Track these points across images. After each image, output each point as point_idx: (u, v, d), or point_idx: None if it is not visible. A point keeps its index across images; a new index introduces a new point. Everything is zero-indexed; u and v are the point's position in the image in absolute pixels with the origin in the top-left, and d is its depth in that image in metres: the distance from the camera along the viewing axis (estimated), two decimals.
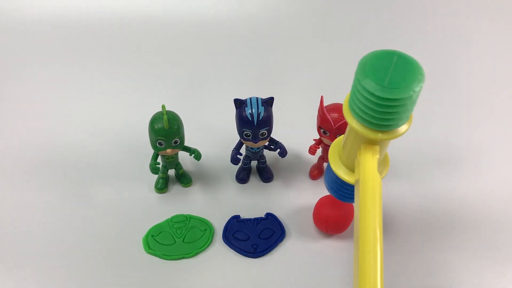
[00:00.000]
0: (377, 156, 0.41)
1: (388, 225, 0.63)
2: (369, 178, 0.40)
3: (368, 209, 0.38)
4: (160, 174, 0.67)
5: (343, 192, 0.51)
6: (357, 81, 0.38)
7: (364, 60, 0.38)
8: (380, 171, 0.45)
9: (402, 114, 0.39)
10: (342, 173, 0.48)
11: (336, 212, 0.58)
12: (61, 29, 0.92)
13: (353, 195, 0.50)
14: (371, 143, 0.42)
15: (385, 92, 0.36)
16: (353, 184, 0.47)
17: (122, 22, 0.93)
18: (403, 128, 0.41)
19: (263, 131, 0.59)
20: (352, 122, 0.41)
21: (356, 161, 0.44)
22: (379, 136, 0.40)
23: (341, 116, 0.58)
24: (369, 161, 0.41)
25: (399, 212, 0.65)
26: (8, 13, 0.92)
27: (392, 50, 0.39)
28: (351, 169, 0.47)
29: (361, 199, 0.39)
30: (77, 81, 0.87)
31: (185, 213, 0.64)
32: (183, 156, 0.69)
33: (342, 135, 0.49)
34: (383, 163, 0.48)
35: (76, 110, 0.82)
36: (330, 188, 0.53)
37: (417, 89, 0.37)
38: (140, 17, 0.94)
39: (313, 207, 0.62)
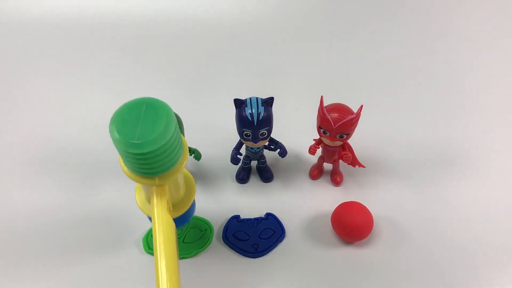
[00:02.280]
0: (166, 196, 0.43)
1: (388, 225, 0.63)
2: (159, 219, 0.42)
3: (159, 244, 0.41)
4: None
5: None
6: (112, 139, 0.37)
7: (115, 117, 0.38)
8: (185, 199, 0.50)
9: (169, 157, 0.39)
10: (148, 211, 0.49)
11: (362, 221, 0.58)
12: (61, 29, 0.92)
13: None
14: (159, 185, 0.42)
15: (137, 148, 0.36)
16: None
17: (122, 22, 0.93)
18: (180, 163, 0.42)
19: (263, 131, 0.59)
20: (129, 175, 0.41)
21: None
22: (157, 181, 0.41)
23: (341, 116, 0.58)
24: (157, 204, 0.42)
25: (399, 212, 0.65)
26: (8, 13, 0.92)
27: (141, 99, 0.38)
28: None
29: (153, 236, 0.42)
30: (77, 80, 0.87)
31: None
32: None
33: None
34: (187, 185, 0.51)
35: (76, 109, 0.82)
36: None
37: (168, 136, 0.37)
38: (140, 17, 0.94)
39: (312, 206, 0.62)
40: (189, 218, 0.54)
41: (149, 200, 0.48)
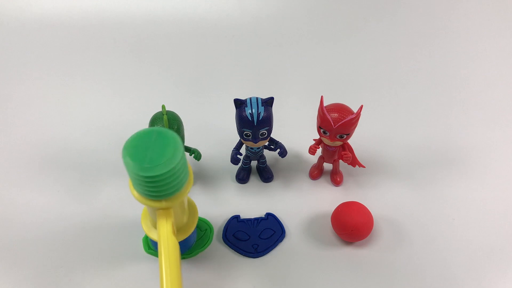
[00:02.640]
0: (171, 219, 0.46)
1: (388, 225, 0.63)
2: (164, 241, 0.44)
3: (164, 265, 0.43)
4: None
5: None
6: (124, 164, 0.41)
7: (127, 143, 0.42)
8: (188, 224, 0.53)
9: (176, 181, 0.43)
10: (154, 236, 0.53)
11: (362, 221, 0.58)
12: (61, 29, 0.92)
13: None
14: (165, 208, 0.46)
15: (147, 171, 0.40)
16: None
17: (122, 22, 0.93)
18: (185, 188, 0.46)
19: (263, 131, 0.59)
20: (137, 197, 0.45)
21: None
22: (163, 204, 0.44)
23: (341, 116, 0.58)
24: (163, 225, 0.45)
25: (399, 212, 0.65)
26: (8, 13, 0.92)
27: (151, 128, 0.43)
28: None
29: (159, 257, 0.44)
30: (77, 80, 0.87)
31: None
32: None
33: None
34: (190, 211, 0.55)
35: (76, 109, 0.82)
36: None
37: (176, 161, 0.41)
38: (140, 17, 0.94)
39: (312, 206, 0.62)
40: (190, 245, 0.58)
41: (155, 225, 0.51)
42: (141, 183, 0.42)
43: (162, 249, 0.44)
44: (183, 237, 0.53)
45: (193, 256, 0.59)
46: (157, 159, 0.40)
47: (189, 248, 0.59)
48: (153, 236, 0.53)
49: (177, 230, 0.52)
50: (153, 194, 0.43)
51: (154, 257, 0.59)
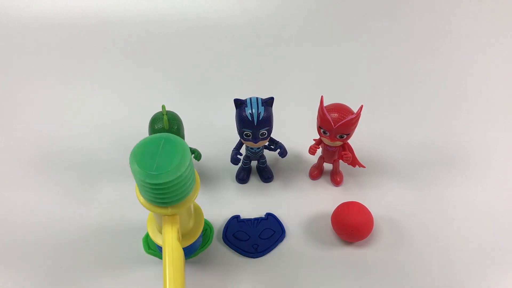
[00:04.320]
0: (177, 225, 0.46)
1: (388, 225, 0.63)
2: (169, 247, 0.44)
3: (168, 272, 0.43)
4: None
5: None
6: (132, 171, 0.41)
7: (135, 150, 0.41)
8: (194, 229, 0.53)
9: (182, 189, 0.43)
10: (159, 241, 0.52)
11: (362, 221, 0.58)
12: (61, 29, 0.92)
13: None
14: (171, 215, 0.46)
15: (154, 178, 0.40)
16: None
17: (122, 22, 0.93)
18: (192, 195, 0.46)
19: (263, 131, 0.59)
20: (144, 203, 0.45)
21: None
22: (169, 211, 0.44)
23: (341, 116, 0.58)
24: (168, 232, 0.45)
25: (399, 212, 0.65)
26: (8, 13, 0.92)
27: (159, 135, 0.42)
28: None
29: (163, 263, 0.44)
30: (77, 80, 0.87)
31: None
32: None
33: None
34: (196, 216, 0.54)
35: (77, 109, 0.82)
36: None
37: (183, 169, 0.41)
38: (140, 17, 0.94)
39: (312, 206, 0.62)
40: (195, 249, 0.58)
41: (160, 230, 0.51)
42: (148, 190, 0.42)
43: (167, 256, 0.44)
44: (188, 242, 0.53)
45: (193, 257, 0.59)
46: (165, 166, 0.40)
47: (194, 252, 0.58)
48: (158, 241, 0.52)
49: (183, 235, 0.52)
50: (160, 200, 0.43)
51: (154, 258, 0.59)
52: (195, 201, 0.49)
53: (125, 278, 0.56)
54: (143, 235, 0.61)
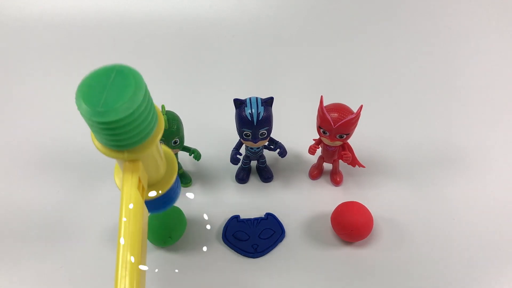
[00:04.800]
0: (138, 173, 0.40)
1: (388, 225, 0.63)
2: (127, 196, 0.39)
3: (124, 228, 0.38)
4: None
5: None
6: (77, 107, 0.35)
7: (82, 83, 0.35)
8: (166, 178, 0.46)
9: (138, 129, 0.36)
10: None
11: (362, 221, 0.58)
12: (61, 29, 0.92)
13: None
14: (131, 161, 0.40)
15: (101, 116, 0.34)
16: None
17: (122, 22, 0.93)
18: (154, 137, 0.39)
19: (263, 131, 0.59)
20: (99, 147, 0.39)
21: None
22: (126, 155, 0.38)
23: (341, 116, 0.58)
24: (128, 180, 0.39)
25: (399, 212, 0.65)
26: (8, 13, 0.92)
27: (111, 65, 0.36)
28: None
29: (119, 215, 0.39)
30: (77, 80, 0.87)
31: (185, 213, 0.64)
32: (183, 156, 0.69)
33: None
34: (168, 165, 0.47)
35: (76, 109, 0.82)
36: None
37: (135, 105, 0.34)
38: (140, 17, 0.94)
39: (312, 206, 0.62)
40: (172, 201, 0.50)
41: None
42: (98, 130, 0.36)
43: (124, 206, 0.39)
44: (159, 191, 0.46)
45: (173, 243, 0.59)
46: (113, 102, 0.33)
47: (170, 204, 0.51)
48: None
49: (153, 185, 0.46)
50: (113, 143, 0.37)
51: (154, 257, 0.59)
52: (165, 146, 0.43)
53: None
54: None
